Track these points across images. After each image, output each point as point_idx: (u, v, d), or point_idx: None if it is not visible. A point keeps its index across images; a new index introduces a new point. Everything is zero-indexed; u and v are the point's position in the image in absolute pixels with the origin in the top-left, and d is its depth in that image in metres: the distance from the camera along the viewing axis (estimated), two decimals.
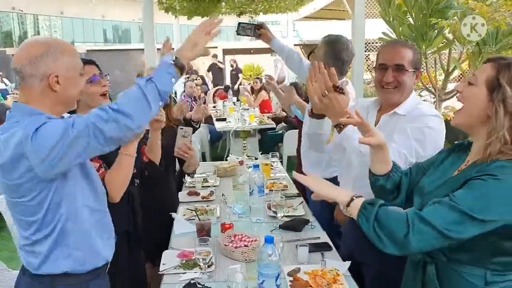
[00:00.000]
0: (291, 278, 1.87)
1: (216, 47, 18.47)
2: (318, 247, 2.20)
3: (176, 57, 1.54)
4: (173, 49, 1.96)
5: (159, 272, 2.01)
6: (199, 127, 3.81)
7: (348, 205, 1.47)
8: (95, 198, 1.65)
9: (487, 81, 1.39)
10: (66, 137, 1.40)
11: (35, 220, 1.52)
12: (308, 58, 3.32)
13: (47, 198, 1.50)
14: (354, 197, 1.46)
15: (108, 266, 1.74)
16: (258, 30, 2.81)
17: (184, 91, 8.06)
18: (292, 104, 3.46)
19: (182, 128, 2.69)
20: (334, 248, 2.24)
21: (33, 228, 1.54)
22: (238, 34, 2.81)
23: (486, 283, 1.39)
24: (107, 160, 1.96)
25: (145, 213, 2.50)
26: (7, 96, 11.06)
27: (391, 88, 1.94)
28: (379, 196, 1.66)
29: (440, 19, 3.73)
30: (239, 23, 2.77)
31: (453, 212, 1.30)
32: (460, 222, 1.30)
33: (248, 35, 2.81)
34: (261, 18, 8.30)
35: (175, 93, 7.04)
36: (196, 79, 10.09)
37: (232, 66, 14.19)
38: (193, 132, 3.74)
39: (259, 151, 5.79)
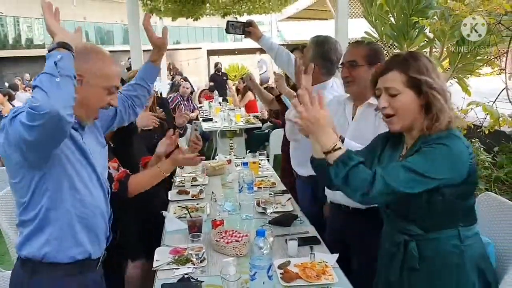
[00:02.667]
0: (282, 271, 1.94)
1: (200, 48, 18.47)
2: (307, 241, 2.27)
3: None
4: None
5: (153, 268, 2.06)
6: (183, 131, 3.85)
7: (327, 153, 1.56)
8: (88, 195, 1.67)
9: (406, 83, 1.56)
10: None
11: (22, 202, 1.59)
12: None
13: (31, 184, 1.55)
14: (332, 150, 1.54)
15: (99, 263, 1.76)
16: (247, 28, 2.83)
17: (171, 91, 8.13)
18: (283, 94, 3.49)
19: (195, 123, 2.77)
20: (322, 242, 2.31)
21: (21, 209, 1.60)
22: (227, 32, 2.83)
23: (461, 240, 1.57)
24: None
25: (133, 212, 2.54)
26: None
27: (348, 82, 2.25)
28: (323, 179, 1.81)
29: (420, 18, 3.82)
30: (228, 22, 2.80)
31: (408, 172, 1.47)
32: (412, 180, 1.47)
33: (237, 33, 2.83)
34: (245, 18, 8.35)
35: (161, 93, 7.05)
36: (181, 80, 10.10)
37: (219, 69, 13.41)
38: (181, 137, 3.79)
39: (246, 150, 5.84)
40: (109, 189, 1.84)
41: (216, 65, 13.39)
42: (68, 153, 1.60)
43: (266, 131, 7.13)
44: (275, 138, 6.05)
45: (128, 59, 14.30)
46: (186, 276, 1.93)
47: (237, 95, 9.01)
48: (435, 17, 4.13)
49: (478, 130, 3.50)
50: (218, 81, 12.23)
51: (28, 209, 1.59)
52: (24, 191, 1.57)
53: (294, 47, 3.75)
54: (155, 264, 2.08)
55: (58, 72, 1.37)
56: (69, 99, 1.38)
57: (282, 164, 3.79)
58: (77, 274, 1.67)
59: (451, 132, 1.55)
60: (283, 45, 15.40)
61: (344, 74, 2.25)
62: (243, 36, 2.99)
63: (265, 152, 4.00)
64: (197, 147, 2.81)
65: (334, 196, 2.34)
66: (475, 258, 1.60)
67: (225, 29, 2.78)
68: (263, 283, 1.62)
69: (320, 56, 2.68)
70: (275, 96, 3.80)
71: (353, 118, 2.29)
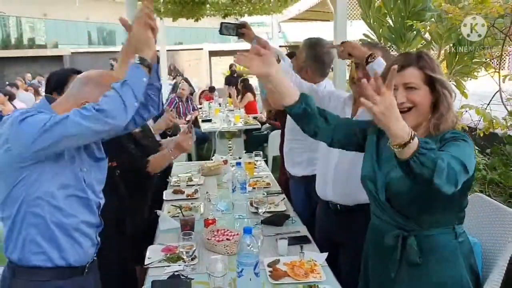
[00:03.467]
0: (271, 269, 1.97)
1: (202, 49, 18.52)
2: (297, 240, 2.30)
3: (139, 58, 1.65)
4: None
5: (144, 266, 2.09)
6: (172, 134, 3.85)
7: (404, 146, 1.34)
8: (68, 205, 1.67)
9: (424, 80, 1.60)
10: (44, 127, 1.51)
11: (2, 199, 1.63)
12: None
13: (11, 184, 1.59)
14: (411, 139, 1.34)
15: (85, 270, 1.76)
16: (240, 30, 2.85)
17: (172, 91, 8.18)
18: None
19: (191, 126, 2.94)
20: (312, 241, 2.34)
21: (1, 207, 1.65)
22: (221, 33, 2.84)
23: (456, 236, 1.62)
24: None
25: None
26: None
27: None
28: (298, 121, 1.83)
29: (415, 21, 3.85)
30: (222, 23, 2.82)
31: (459, 163, 1.41)
32: (461, 172, 1.41)
33: (230, 35, 2.84)
34: (246, 19, 8.38)
35: None
36: (181, 82, 10.11)
37: (233, 71, 12.88)
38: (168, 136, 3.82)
39: (245, 151, 5.86)
40: (99, 202, 1.84)
41: (230, 66, 13.24)
42: (59, 159, 1.63)
43: (265, 132, 7.15)
44: (275, 139, 6.08)
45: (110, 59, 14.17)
46: (176, 273, 1.96)
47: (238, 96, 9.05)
48: (433, 19, 4.16)
49: (473, 132, 3.52)
50: (234, 83, 11.52)
51: (4, 209, 1.63)
52: (2, 189, 1.61)
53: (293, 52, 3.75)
54: (146, 261, 2.11)
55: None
56: None
57: (280, 165, 3.81)
58: (58, 280, 1.68)
59: (457, 131, 1.59)
60: (285, 46, 15.37)
61: (359, 74, 2.23)
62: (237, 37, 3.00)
63: (261, 153, 4.02)
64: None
65: (324, 193, 2.38)
66: (467, 254, 1.65)
67: (219, 30, 2.79)
68: (250, 280, 1.65)
69: (312, 58, 2.71)
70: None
71: (352, 117, 2.32)
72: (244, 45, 2.81)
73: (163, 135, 3.70)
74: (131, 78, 1.61)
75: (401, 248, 1.63)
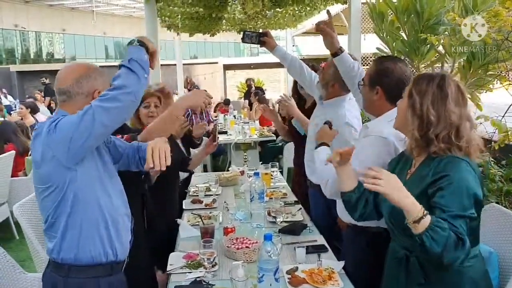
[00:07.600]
0: (289, 276, 2.02)
1: (217, 63, 18.76)
2: (315, 249, 2.35)
3: (137, 40, 1.79)
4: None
5: (166, 272, 2.15)
6: (200, 143, 3.93)
7: (418, 221, 1.46)
8: (115, 198, 1.82)
9: (408, 92, 1.72)
10: (76, 122, 1.62)
11: (51, 206, 1.72)
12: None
13: (62, 188, 1.69)
14: (424, 216, 1.47)
15: (124, 266, 1.89)
16: (262, 38, 2.92)
17: None
18: (294, 118, 3.49)
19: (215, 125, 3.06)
20: (330, 250, 2.38)
21: (49, 213, 1.73)
22: (243, 41, 2.93)
23: (461, 261, 1.55)
24: None
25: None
26: (11, 112, 11.25)
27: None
28: (352, 211, 1.91)
29: (429, 35, 3.90)
30: (245, 31, 2.90)
31: (464, 220, 1.50)
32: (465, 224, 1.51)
33: (253, 43, 2.92)
34: None
35: None
36: None
37: (250, 86, 12.70)
38: (194, 147, 3.90)
39: (261, 162, 5.92)
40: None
41: (250, 86, 13.45)
42: (98, 159, 1.77)
43: (280, 144, 7.20)
44: (289, 151, 6.13)
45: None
46: (198, 279, 2.03)
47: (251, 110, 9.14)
48: (446, 32, 4.21)
49: (489, 145, 3.54)
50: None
51: (57, 213, 1.72)
52: (53, 196, 1.70)
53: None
54: (168, 268, 2.18)
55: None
56: None
57: (294, 177, 3.86)
58: (106, 275, 1.80)
59: (454, 157, 1.60)
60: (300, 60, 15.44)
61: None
62: (258, 46, 3.08)
63: (277, 164, 4.07)
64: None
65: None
66: (476, 279, 1.63)
67: (241, 38, 2.88)
68: (270, 285, 1.70)
69: (340, 75, 2.76)
70: (282, 118, 3.86)
71: None
72: (258, 59, 2.88)
73: (188, 143, 3.76)
74: (134, 54, 1.72)
75: (406, 267, 1.67)
